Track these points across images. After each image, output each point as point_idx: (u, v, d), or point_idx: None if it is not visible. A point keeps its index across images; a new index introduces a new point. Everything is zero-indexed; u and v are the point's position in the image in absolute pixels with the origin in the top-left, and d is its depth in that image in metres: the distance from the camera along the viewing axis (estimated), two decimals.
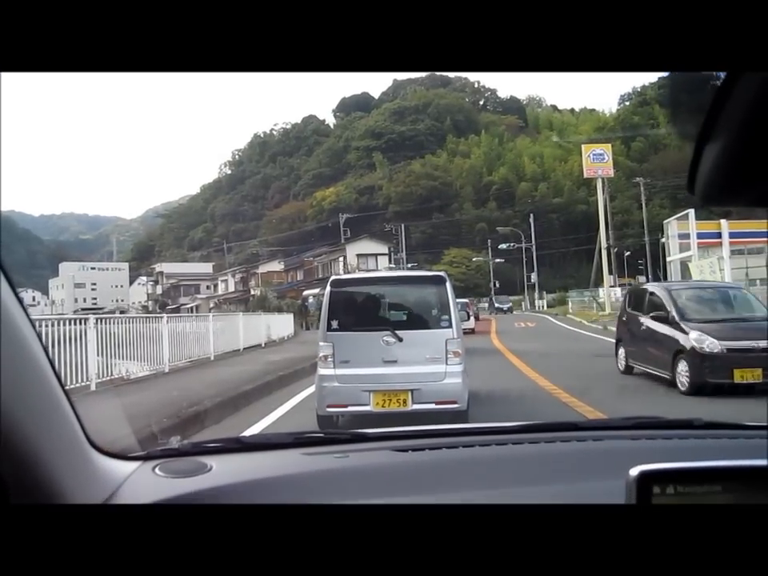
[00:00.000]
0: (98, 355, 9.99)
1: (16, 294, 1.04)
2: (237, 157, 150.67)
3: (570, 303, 48.16)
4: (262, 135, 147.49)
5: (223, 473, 1.56)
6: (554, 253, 78.46)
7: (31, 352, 1.09)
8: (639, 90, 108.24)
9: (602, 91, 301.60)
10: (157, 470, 1.56)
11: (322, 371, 6.79)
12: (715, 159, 0.65)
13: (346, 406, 6.70)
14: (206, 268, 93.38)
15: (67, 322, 9.59)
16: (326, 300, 6.99)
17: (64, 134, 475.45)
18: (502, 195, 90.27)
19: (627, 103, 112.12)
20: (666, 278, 23.80)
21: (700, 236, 16.16)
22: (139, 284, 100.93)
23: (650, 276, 65.26)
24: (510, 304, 58.63)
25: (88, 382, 9.40)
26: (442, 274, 7.51)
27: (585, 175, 43.30)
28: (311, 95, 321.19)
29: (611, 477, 1.26)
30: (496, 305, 57.60)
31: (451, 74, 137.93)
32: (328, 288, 7.05)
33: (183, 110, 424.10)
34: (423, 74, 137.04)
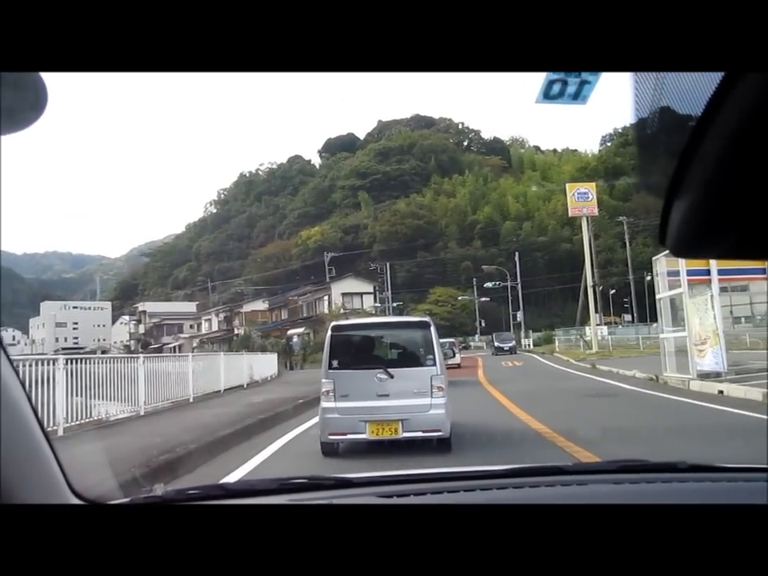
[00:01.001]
0: (76, 395, 9.51)
1: None
2: (222, 196, 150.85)
3: (556, 342, 47.77)
4: (247, 174, 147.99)
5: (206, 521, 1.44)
6: (539, 291, 78.45)
7: (11, 394, 1.07)
8: (621, 130, 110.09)
9: (583, 132, 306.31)
10: None
11: (324, 404, 7.77)
12: (685, 213, 0.65)
13: (345, 434, 7.66)
14: (190, 307, 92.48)
15: (39, 363, 9.11)
16: (327, 343, 8.01)
17: (48, 171, 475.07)
18: (486, 234, 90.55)
19: (609, 144, 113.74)
20: (654, 317, 23.38)
21: (689, 273, 15.91)
22: (122, 323, 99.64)
23: (635, 314, 65.50)
24: (514, 343, 50.18)
25: (55, 427, 8.86)
26: (426, 319, 8.57)
27: (569, 214, 43.45)
28: (297, 136, 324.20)
29: None
30: (496, 344, 48.90)
31: (435, 116, 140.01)
32: (329, 332, 8.14)
33: (170, 150, 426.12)
34: (408, 116, 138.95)
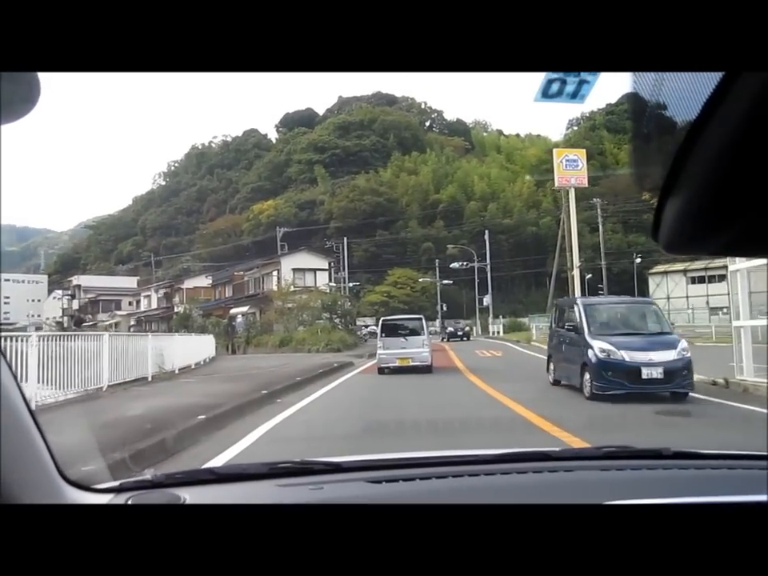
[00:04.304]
0: None
1: None
2: (172, 168, 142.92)
3: (533, 329, 43.13)
4: (200, 146, 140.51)
5: (198, 505, 1.54)
6: (501, 276, 74.24)
7: (2, 379, 1.08)
8: (588, 115, 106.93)
9: (548, 117, 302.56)
10: (130, 502, 1.52)
11: (379, 351, 18.53)
12: (680, 209, 0.64)
13: (388, 364, 17.96)
14: (130, 282, 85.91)
15: None
16: (380, 326, 19.40)
17: None
18: (449, 214, 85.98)
19: (576, 128, 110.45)
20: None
21: None
22: (55, 298, 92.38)
23: None
24: (467, 329, 33.86)
25: None
26: (421, 316, 20.39)
27: (556, 184, 38.46)
28: (253, 109, 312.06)
29: None
30: (449, 329, 33.91)
31: (398, 94, 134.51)
32: (381, 321, 19.70)
33: (121, 120, 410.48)
34: (369, 92, 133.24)
